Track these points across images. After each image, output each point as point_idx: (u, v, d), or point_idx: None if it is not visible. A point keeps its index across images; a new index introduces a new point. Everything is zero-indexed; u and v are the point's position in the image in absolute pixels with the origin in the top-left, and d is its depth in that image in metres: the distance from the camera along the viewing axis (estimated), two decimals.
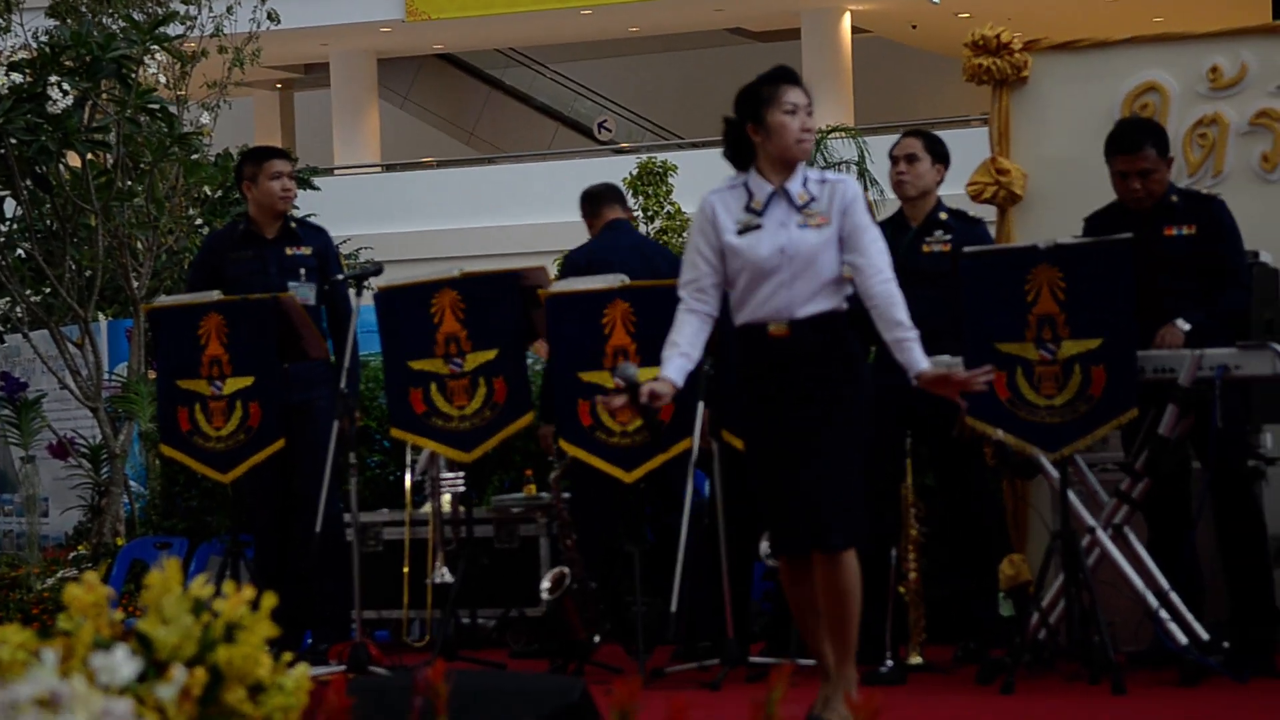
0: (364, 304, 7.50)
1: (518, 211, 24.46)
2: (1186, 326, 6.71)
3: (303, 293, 7.78)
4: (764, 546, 7.06)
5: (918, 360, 5.51)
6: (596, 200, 8.23)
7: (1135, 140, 6.94)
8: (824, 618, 5.52)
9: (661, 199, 21.60)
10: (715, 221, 5.57)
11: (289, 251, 7.89)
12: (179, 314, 7.73)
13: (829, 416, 5.48)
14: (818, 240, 5.48)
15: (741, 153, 5.64)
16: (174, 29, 10.44)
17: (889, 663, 6.84)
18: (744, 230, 5.53)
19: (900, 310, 5.50)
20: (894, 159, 7.46)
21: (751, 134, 5.58)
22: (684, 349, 5.57)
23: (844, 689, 5.48)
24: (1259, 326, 7.25)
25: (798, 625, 5.75)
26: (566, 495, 7.63)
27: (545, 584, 7.31)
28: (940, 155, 7.41)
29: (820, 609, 5.53)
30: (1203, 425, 6.59)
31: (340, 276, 7.82)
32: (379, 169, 27.94)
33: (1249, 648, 6.70)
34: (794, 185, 5.56)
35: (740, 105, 5.63)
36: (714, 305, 5.61)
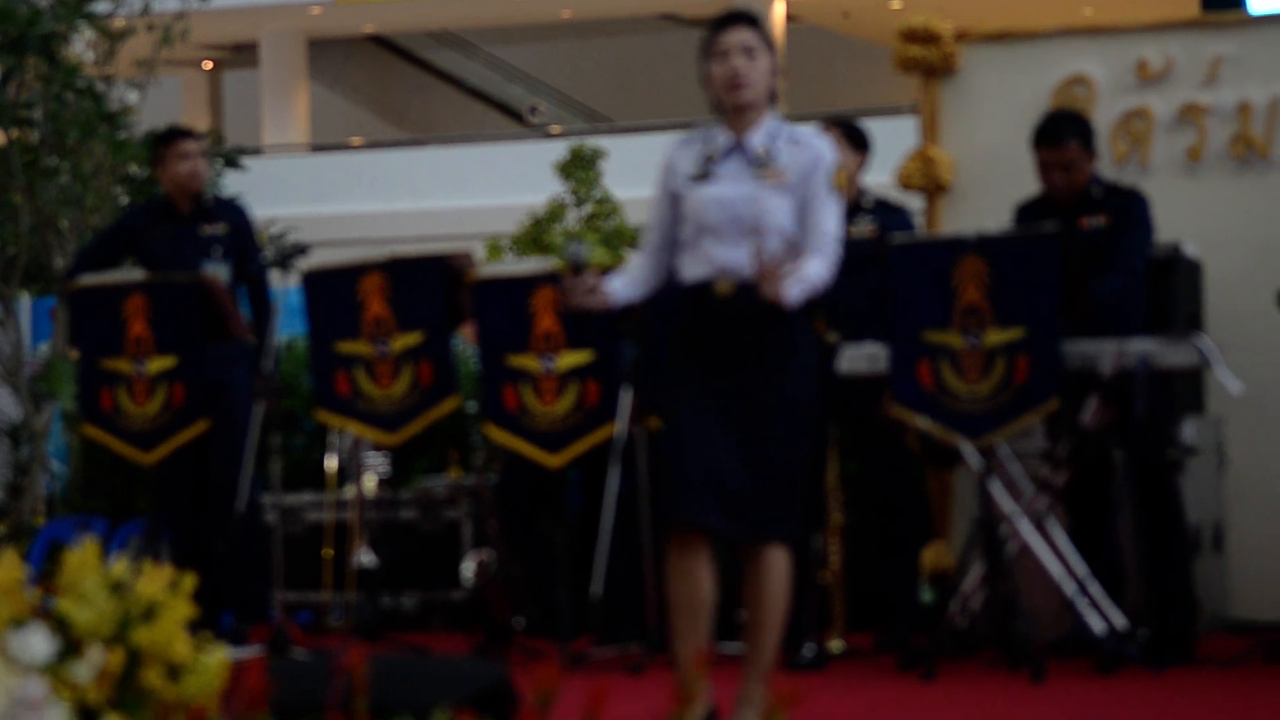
0: (290, 285, 7.46)
1: (447, 194, 24.40)
2: None
3: (218, 271, 7.75)
4: None
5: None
6: None
7: (1058, 133, 6.98)
8: (748, 620, 5.15)
9: (592, 184, 21.57)
10: (671, 168, 5.22)
11: (205, 230, 7.87)
12: (102, 293, 7.68)
13: (768, 392, 5.05)
14: (770, 199, 5.10)
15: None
16: (102, 6, 10.35)
17: (810, 649, 6.86)
18: (697, 178, 5.16)
19: (803, 264, 5.02)
20: None
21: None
22: (632, 276, 5.26)
23: (745, 708, 5.07)
24: (1181, 318, 7.31)
25: (672, 622, 5.12)
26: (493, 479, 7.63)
27: (468, 568, 7.30)
28: (859, 143, 7.43)
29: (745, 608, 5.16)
30: (1124, 415, 6.64)
31: (265, 258, 7.80)
32: (308, 150, 27.83)
33: (1167, 637, 6.76)
34: (755, 138, 5.16)
35: None
36: (668, 256, 5.25)
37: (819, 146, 5.18)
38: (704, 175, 5.16)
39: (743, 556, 5.11)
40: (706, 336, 5.11)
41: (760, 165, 5.13)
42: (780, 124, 5.21)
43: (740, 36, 5.15)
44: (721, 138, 5.19)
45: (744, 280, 5.04)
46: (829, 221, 5.13)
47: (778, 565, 5.10)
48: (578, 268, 5.23)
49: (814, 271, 5.04)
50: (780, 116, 5.24)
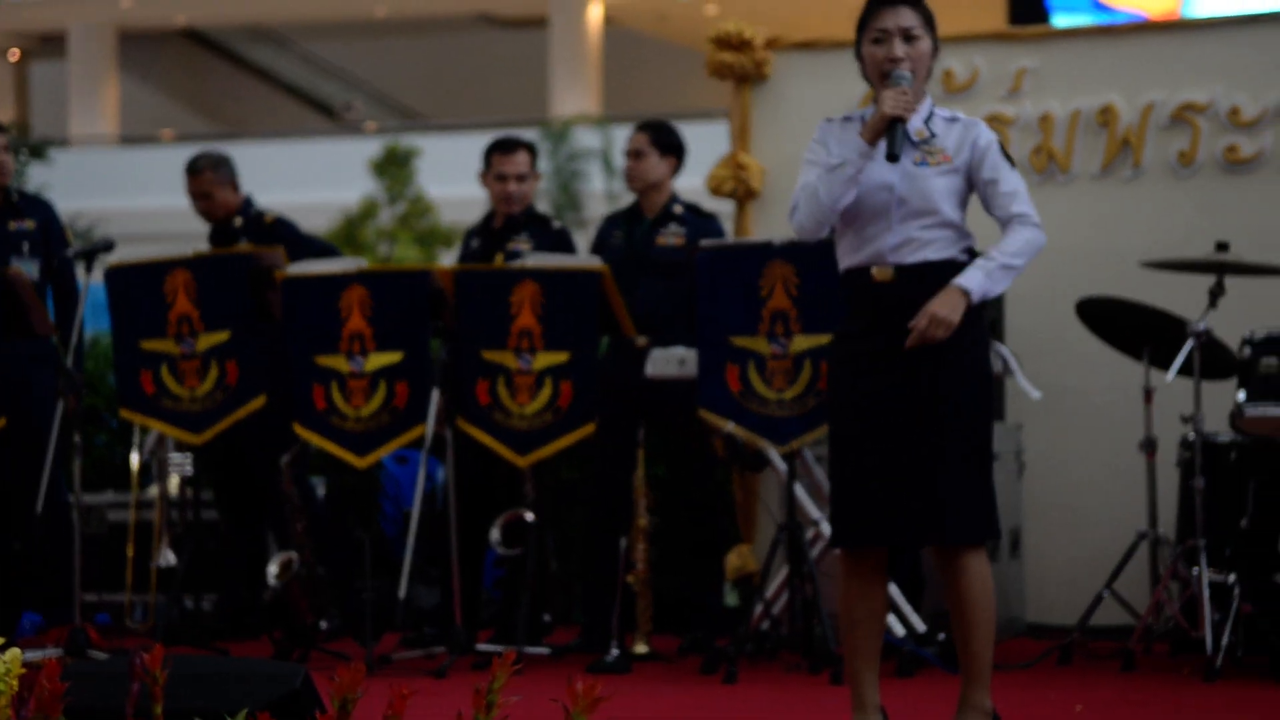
0: (95, 281, 7.36)
1: (259, 191, 24.01)
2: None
3: (25, 268, 7.63)
4: (494, 534, 7.08)
5: (962, 274, 4.79)
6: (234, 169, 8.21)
7: None
8: (956, 627, 4.83)
9: (406, 182, 21.49)
10: (823, 146, 4.95)
11: (10, 225, 7.76)
12: None
13: (942, 387, 4.75)
14: (935, 180, 4.83)
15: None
16: None
17: (614, 651, 6.89)
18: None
19: (1006, 240, 4.84)
20: (625, 154, 7.56)
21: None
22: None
23: (966, 717, 4.83)
24: (983, 326, 7.43)
25: (841, 638, 4.97)
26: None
27: (273, 569, 7.24)
28: (669, 147, 7.45)
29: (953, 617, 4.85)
30: None
31: (69, 252, 7.69)
32: (116, 143, 27.45)
33: None
34: (913, 121, 4.86)
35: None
36: None
37: (979, 124, 4.93)
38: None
39: (938, 562, 4.86)
40: (873, 327, 4.83)
41: (921, 145, 4.87)
42: (931, 103, 4.96)
43: (901, 19, 4.87)
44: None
45: (902, 265, 4.81)
46: (1017, 186, 4.88)
47: (976, 568, 4.78)
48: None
49: (1015, 244, 4.85)
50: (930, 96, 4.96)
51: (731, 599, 7.69)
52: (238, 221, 8.05)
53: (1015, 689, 6.31)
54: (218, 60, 31.23)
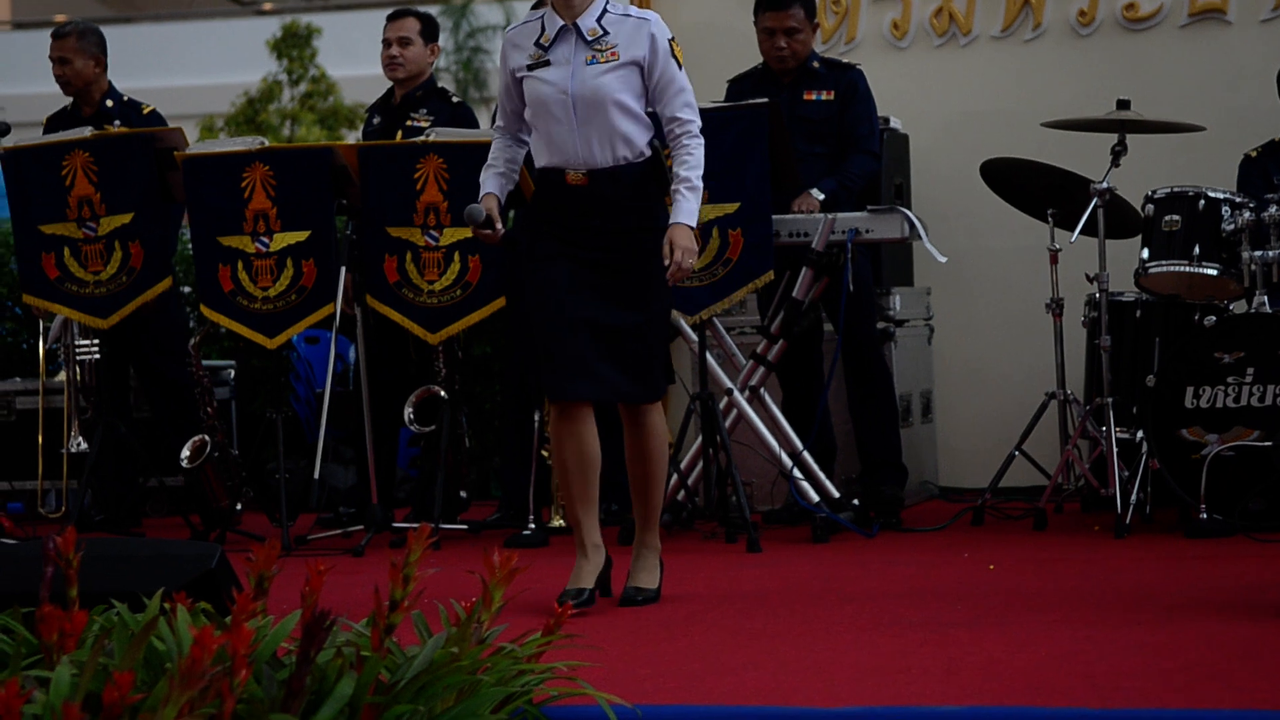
0: None
1: (158, 73, 23.82)
2: (821, 195, 6.87)
3: None
4: (408, 412, 7.07)
5: (675, 212, 5.21)
6: None
7: None
8: (630, 480, 5.41)
9: (306, 62, 21.26)
10: (506, 57, 5.31)
11: None
12: None
13: (632, 266, 5.24)
14: (607, 78, 5.18)
15: None
16: None
17: (531, 525, 6.91)
18: (533, 66, 5.23)
19: (682, 164, 5.22)
20: None
21: None
22: (500, 169, 5.39)
23: (645, 558, 5.46)
24: (889, 191, 7.46)
25: (562, 484, 5.44)
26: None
27: (185, 452, 7.21)
28: None
29: (629, 470, 5.41)
30: (835, 288, 6.76)
31: None
32: (10, 27, 27.01)
33: (878, 504, 6.94)
34: (586, 20, 5.21)
35: None
36: (525, 131, 5.38)
37: (651, 18, 5.22)
38: (541, 63, 5.22)
39: (624, 419, 5.34)
40: (567, 220, 5.24)
41: (593, 44, 5.18)
42: (605, 2, 5.25)
43: None
44: (555, 21, 5.23)
45: (594, 169, 5.18)
46: (684, 100, 5.24)
47: (657, 423, 5.34)
48: (480, 225, 5.31)
49: (696, 162, 5.21)
50: None
51: None
52: (109, 103, 7.90)
53: (929, 551, 6.38)
54: None
